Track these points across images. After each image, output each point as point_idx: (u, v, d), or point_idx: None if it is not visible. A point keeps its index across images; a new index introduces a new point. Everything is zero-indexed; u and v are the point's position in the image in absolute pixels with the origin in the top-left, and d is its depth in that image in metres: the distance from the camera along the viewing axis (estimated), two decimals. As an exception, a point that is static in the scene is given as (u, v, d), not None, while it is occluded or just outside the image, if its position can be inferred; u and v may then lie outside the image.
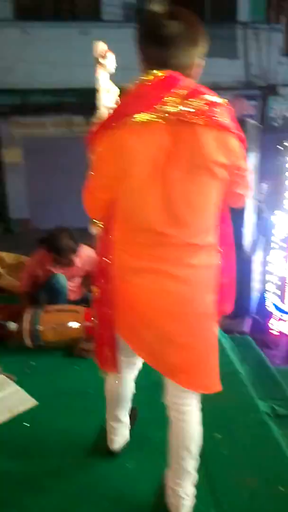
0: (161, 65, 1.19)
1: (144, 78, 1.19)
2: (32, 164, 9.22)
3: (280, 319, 5.36)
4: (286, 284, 5.33)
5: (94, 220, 1.52)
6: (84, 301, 3.20)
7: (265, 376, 2.79)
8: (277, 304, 5.41)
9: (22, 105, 8.78)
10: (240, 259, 4.85)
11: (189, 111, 1.15)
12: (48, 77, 8.27)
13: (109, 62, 2.12)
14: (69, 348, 2.75)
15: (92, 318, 1.70)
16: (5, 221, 9.72)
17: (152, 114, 1.15)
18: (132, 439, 1.81)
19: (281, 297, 5.39)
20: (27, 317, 2.79)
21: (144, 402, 1.87)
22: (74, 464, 1.79)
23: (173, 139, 1.18)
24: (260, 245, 5.45)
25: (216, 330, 1.44)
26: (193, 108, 1.15)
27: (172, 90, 1.16)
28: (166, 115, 1.15)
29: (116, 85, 2.13)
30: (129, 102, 1.22)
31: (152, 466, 1.69)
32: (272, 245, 5.38)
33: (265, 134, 9.71)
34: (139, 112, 1.15)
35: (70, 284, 3.27)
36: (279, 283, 5.39)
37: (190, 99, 1.15)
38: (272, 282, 5.46)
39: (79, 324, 2.79)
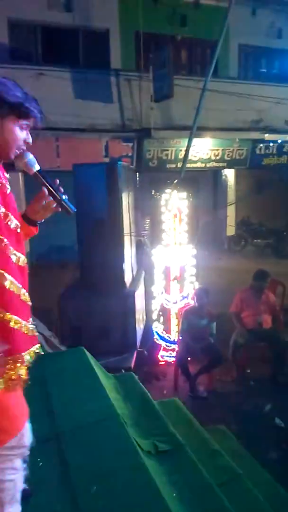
0: None
1: None
2: None
3: (165, 349, 5.53)
4: (169, 315, 5.57)
5: None
6: None
7: (147, 412, 2.81)
8: (162, 335, 5.58)
9: None
10: (122, 295, 4.95)
11: None
12: None
13: None
14: None
15: None
16: None
17: None
18: None
19: (166, 328, 5.59)
20: None
21: None
22: None
23: None
24: (141, 279, 5.63)
25: None
26: None
27: None
28: None
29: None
30: None
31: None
32: (154, 278, 5.60)
33: (142, 174, 10.34)
34: None
35: None
36: (162, 315, 5.60)
37: None
38: (156, 314, 5.65)
39: None
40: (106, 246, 4.50)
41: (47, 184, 1.50)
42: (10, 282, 1.35)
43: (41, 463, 2.03)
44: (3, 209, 1.37)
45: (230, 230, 12.46)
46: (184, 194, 5.45)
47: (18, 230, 1.46)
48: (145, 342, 5.52)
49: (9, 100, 1.36)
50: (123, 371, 3.74)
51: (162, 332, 5.60)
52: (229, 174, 12.24)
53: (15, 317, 1.37)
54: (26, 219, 1.55)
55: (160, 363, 5.48)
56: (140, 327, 5.34)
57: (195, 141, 9.52)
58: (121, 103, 9.49)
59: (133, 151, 9.80)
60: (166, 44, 9.23)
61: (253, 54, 11.54)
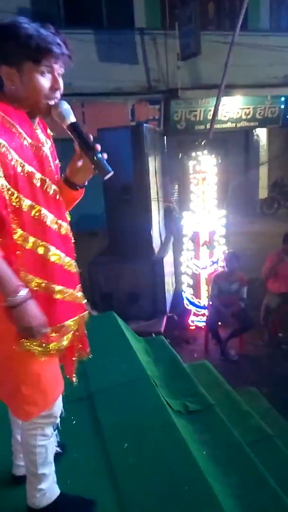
0: None
1: None
2: None
3: (195, 314, 5.55)
4: (199, 280, 5.55)
5: None
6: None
7: (177, 374, 2.84)
8: (192, 300, 5.59)
9: None
10: (151, 261, 4.96)
11: None
12: None
13: None
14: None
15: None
16: None
17: None
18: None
19: (195, 294, 5.59)
20: None
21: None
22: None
23: None
24: (170, 245, 5.59)
25: (17, 353, 1.31)
26: None
27: None
28: None
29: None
30: None
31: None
32: (183, 243, 5.57)
33: (170, 137, 10.09)
34: None
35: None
36: (192, 280, 5.60)
37: None
38: (186, 280, 5.65)
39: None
40: (133, 212, 4.48)
41: (80, 141, 1.33)
42: (53, 253, 1.32)
43: (74, 421, 2.10)
44: (39, 175, 1.29)
45: (263, 193, 12.09)
46: (213, 156, 5.30)
47: (58, 197, 1.37)
48: (175, 308, 5.56)
49: (16, 43, 1.18)
50: (153, 335, 3.79)
51: (192, 298, 5.61)
52: (261, 134, 11.75)
53: (60, 287, 1.35)
54: (67, 182, 1.42)
55: (190, 328, 5.52)
56: (169, 292, 5.36)
57: (225, 100, 9.17)
58: (147, 64, 9.17)
59: (160, 114, 9.54)
60: (192, -2, 8.75)
61: (286, 3, 10.76)
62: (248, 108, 10.29)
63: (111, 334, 3.10)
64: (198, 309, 5.55)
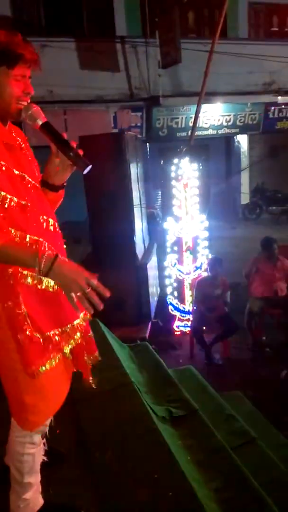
0: None
1: None
2: None
3: (180, 319, 5.57)
4: (183, 286, 5.57)
5: None
6: None
7: (161, 380, 2.85)
8: (176, 306, 5.61)
9: None
10: (134, 268, 4.94)
11: None
12: None
13: None
14: None
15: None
16: None
17: None
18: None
19: (180, 299, 5.62)
20: None
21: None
22: None
23: None
24: (154, 251, 5.61)
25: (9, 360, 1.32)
26: None
27: None
28: None
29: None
30: None
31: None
32: (167, 249, 5.59)
33: (152, 143, 10.16)
34: None
35: None
36: (176, 286, 5.62)
37: None
38: (170, 286, 5.67)
39: None
40: (116, 218, 4.48)
41: (54, 140, 1.35)
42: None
43: (58, 431, 2.08)
44: (17, 171, 1.29)
45: (245, 198, 12.25)
46: (195, 163, 5.35)
47: (39, 192, 1.38)
48: (159, 313, 5.56)
49: None
50: (138, 341, 3.78)
51: (176, 303, 5.63)
52: (242, 140, 11.93)
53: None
54: (46, 185, 1.43)
55: (175, 333, 5.53)
56: (154, 298, 5.36)
57: (206, 107, 9.29)
58: (128, 72, 9.23)
59: (142, 121, 9.61)
60: (172, 7, 8.85)
61: (263, 11, 11.00)
62: (228, 115, 10.44)
63: (95, 341, 3.08)
64: (183, 315, 5.56)
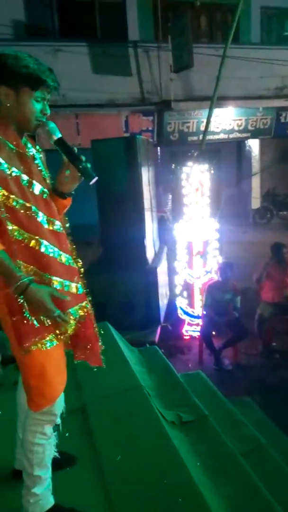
0: None
1: None
2: None
3: (189, 324, 5.56)
4: (192, 290, 5.56)
5: None
6: None
7: (170, 384, 2.84)
8: (186, 310, 5.60)
9: None
10: (144, 271, 4.95)
11: None
12: None
13: None
14: None
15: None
16: None
17: None
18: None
19: (189, 303, 5.60)
20: None
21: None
22: None
23: None
24: (164, 255, 5.61)
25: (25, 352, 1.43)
26: None
27: None
28: None
29: None
30: None
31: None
32: (177, 253, 5.59)
33: (163, 148, 10.18)
34: None
35: None
36: (186, 290, 5.61)
37: None
38: (180, 290, 5.66)
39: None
40: (127, 222, 4.50)
41: (67, 153, 1.52)
42: (45, 246, 1.43)
43: (67, 434, 2.09)
44: (26, 177, 1.42)
45: (255, 203, 12.19)
46: (205, 167, 5.35)
47: (45, 196, 1.49)
48: (169, 317, 5.56)
49: (20, 72, 1.37)
50: (147, 345, 3.78)
51: (186, 307, 5.61)
52: (254, 145, 11.89)
53: (55, 278, 1.45)
54: (55, 192, 1.58)
55: (184, 337, 5.51)
56: (163, 302, 5.36)
57: (217, 111, 9.28)
58: (140, 76, 9.27)
59: (153, 125, 9.63)
60: (185, 11, 8.88)
61: (276, 16, 10.98)
62: (240, 120, 10.42)
63: (105, 344, 3.07)
64: (192, 319, 5.55)
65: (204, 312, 5.06)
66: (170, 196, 10.63)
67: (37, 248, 1.41)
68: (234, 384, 4.36)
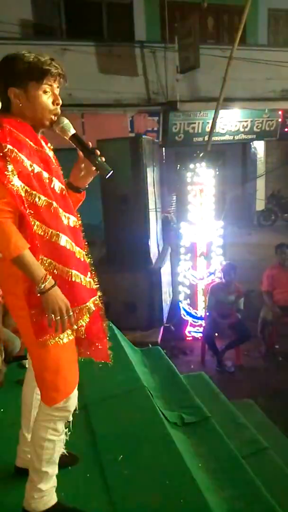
0: None
1: None
2: None
3: (192, 325, 5.55)
4: (196, 291, 5.55)
5: None
6: None
7: (173, 385, 2.83)
8: (189, 311, 5.59)
9: None
10: (148, 272, 4.94)
11: None
12: None
13: None
14: None
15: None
16: None
17: None
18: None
19: (193, 304, 5.60)
20: None
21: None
22: None
23: None
24: (168, 255, 5.61)
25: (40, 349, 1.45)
26: None
27: None
28: None
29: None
30: None
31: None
32: (181, 254, 5.58)
33: (168, 148, 10.17)
34: None
35: None
36: (189, 291, 5.60)
37: None
38: (183, 291, 5.65)
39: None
40: (131, 222, 4.50)
41: (82, 148, 1.56)
42: (65, 241, 1.46)
43: (69, 432, 2.09)
44: (46, 174, 1.45)
45: (260, 205, 12.16)
46: (211, 168, 5.34)
47: (64, 193, 1.54)
48: (172, 318, 5.55)
49: (22, 69, 1.40)
50: (150, 345, 3.78)
51: (189, 308, 5.61)
52: (259, 147, 11.86)
53: (74, 272, 1.48)
54: (70, 186, 1.62)
55: (187, 338, 5.51)
56: (166, 303, 5.35)
57: (223, 113, 9.26)
58: (146, 76, 9.28)
59: (159, 126, 9.62)
60: (192, 12, 8.88)
61: (283, 18, 10.96)
62: (246, 121, 10.40)
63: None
64: (195, 320, 5.54)
65: (207, 313, 5.05)
66: (175, 197, 10.61)
67: (58, 243, 1.44)
68: (236, 386, 4.35)
